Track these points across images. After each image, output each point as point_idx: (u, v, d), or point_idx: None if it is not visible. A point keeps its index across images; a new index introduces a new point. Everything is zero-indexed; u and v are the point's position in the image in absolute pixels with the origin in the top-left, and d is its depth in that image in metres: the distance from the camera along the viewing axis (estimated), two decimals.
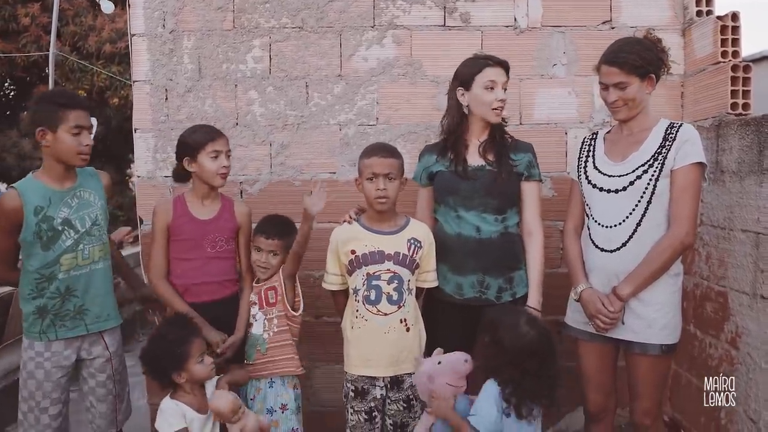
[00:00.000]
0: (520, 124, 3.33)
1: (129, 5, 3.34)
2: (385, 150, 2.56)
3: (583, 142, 2.68)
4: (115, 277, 2.80)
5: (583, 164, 2.60)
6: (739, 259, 2.73)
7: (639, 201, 2.38)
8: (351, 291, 2.60)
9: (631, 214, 2.39)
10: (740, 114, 2.89)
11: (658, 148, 2.38)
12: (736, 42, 3.00)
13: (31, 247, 2.52)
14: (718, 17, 3.03)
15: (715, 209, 2.94)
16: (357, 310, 2.55)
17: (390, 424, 2.58)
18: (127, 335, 3.63)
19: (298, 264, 2.70)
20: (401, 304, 2.52)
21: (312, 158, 3.35)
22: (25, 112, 12.53)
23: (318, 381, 3.42)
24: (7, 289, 4.85)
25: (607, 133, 2.62)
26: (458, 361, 2.33)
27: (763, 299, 2.55)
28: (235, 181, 3.34)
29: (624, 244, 2.40)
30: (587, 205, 2.56)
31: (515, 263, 2.66)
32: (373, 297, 2.52)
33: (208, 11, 3.32)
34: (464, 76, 2.65)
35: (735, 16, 3.00)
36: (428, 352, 2.69)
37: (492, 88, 2.60)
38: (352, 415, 2.58)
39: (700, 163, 2.34)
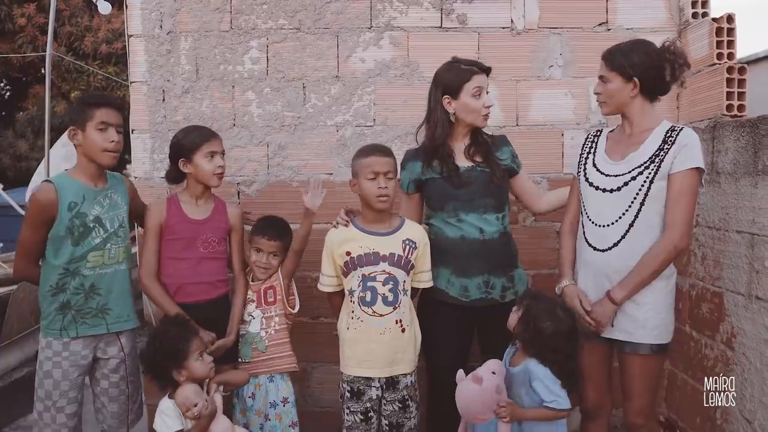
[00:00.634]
0: (517, 125, 3.34)
1: (126, 6, 3.34)
2: (382, 149, 2.58)
3: (586, 139, 2.69)
4: None
5: (584, 162, 2.61)
6: (735, 260, 2.74)
7: (632, 202, 2.39)
8: (346, 292, 2.60)
9: (624, 214, 2.40)
10: (735, 116, 2.91)
11: (656, 151, 2.38)
12: (731, 44, 3.01)
13: (61, 242, 2.53)
14: (714, 19, 3.05)
15: (711, 210, 2.95)
16: (353, 311, 2.56)
17: (386, 424, 2.60)
18: None
19: (297, 262, 2.74)
20: (396, 305, 2.53)
21: (309, 159, 3.36)
22: (21, 113, 12.54)
23: (315, 381, 3.42)
24: (4, 289, 4.85)
25: (611, 131, 2.63)
26: (501, 366, 2.43)
27: (758, 300, 2.57)
28: (233, 182, 3.34)
29: (616, 244, 2.41)
30: (582, 202, 2.57)
31: (514, 262, 2.74)
32: (368, 298, 2.53)
33: (206, 12, 3.33)
34: (451, 85, 2.66)
35: (730, 18, 3.01)
36: (424, 354, 2.71)
37: (479, 95, 2.64)
38: (348, 415, 2.59)
39: (698, 168, 2.35)
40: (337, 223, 2.62)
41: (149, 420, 3.09)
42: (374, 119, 3.35)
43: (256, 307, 2.75)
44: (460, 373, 2.41)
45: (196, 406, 2.34)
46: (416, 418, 2.64)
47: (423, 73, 3.31)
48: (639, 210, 2.38)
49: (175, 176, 2.78)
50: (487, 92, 2.68)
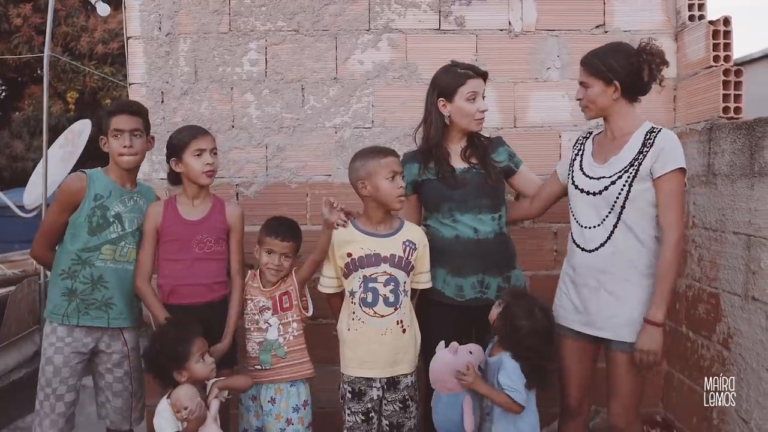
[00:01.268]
0: (515, 127, 3.36)
1: (125, 8, 3.35)
2: (389, 149, 2.64)
3: (576, 141, 2.72)
4: None
5: (573, 163, 2.65)
6: (731, 261, 2.76)
7: (614, 204, 2.44)
8: (347, 293, 2.62)
9: (607, 216, 2.46)
10: (732, 117, 2.93)
11: (636, 154, 2.43)
12: (727, 46, 3.03)
13: (78, 229, 2.66)
14: (710, 22, 3.07)
15: (707, 211, 2.97)
16: (353, 312, 2.58)
17: (386, 424, 2.61)
18: None
19: (314, 271, 2.73)
20: (397, 306, 2.56)
21: (308, 161, 3.37)
22: (17, 113, 12.51)
23: (315, 381, 3.42)
24: (2, 291, 4.87)
25: (598, 134, 2.67)
26: (480, 351, 2.52)
27: (754, 300, 2.59)
28: (231, 184, 3.35)
29: (602, 245, 2.46)
30: (570, 205, 2.62)
31: (511, 262, 2.76)
32: (369, 299, 2.54)
33: (204, 14, 3.33)
34: (446, 88, 2.70)
35: (727, 21, 3.03)
36: (422, 354, 2.72)
37: (474, 99, 2.66)
38: (349, 416, 2.61)
39: (682, 168, 2.40)
40: (337, 225, 2.61)
41: (149, 420, 3.10)
42: (373, 121, 3.36)
43: (273, 314, 2.70)
44: (441, 344, 2.48)
45: (186, 409, 2.34)
46: (416, 418, 2.66)
47: (421, 75, 3.32)
48: (621, 213, 2.43)
49: (174, 177, 2.79)
50: (484, 97, 2.70)
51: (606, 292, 2.46)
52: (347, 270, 2.58)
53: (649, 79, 2.45)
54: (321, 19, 3.33)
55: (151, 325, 2.83)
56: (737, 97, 2.95)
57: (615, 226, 2.44)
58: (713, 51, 3.03)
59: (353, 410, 2.60)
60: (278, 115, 3.36)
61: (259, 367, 2.71)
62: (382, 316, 2.54)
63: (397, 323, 2.56)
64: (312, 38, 3.34)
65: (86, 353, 2.71)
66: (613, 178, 2.44)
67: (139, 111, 2.76)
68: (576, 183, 2.57)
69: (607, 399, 2.56)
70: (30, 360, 4.72)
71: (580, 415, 2.70)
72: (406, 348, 2.60)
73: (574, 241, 2.57)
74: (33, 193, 6.10)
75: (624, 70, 2.41)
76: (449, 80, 2.69)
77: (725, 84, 2.95)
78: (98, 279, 2.67)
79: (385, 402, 2.61)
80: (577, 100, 2.56)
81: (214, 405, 2.45)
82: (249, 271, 2.82)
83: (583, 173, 2.56)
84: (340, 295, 2.69)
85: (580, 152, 2.64)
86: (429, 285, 2.70)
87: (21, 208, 6.51)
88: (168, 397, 2.42)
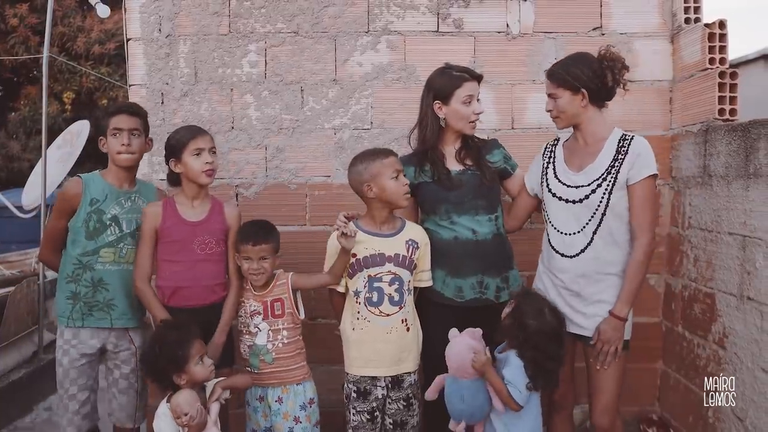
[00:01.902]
0: (512, 128, 3.39)
1: (125, 10, 3.36)
2: (390, 149, 2.69)
3: (545, 149, 2.78)
4: None
5: (545, 171, 2.70)
6: (727, 261, 2.79)
7: (595, 212, 2.51)
8: (351, 293, 2.64)
9: (588, 223, 2.53)
10: (727, 119, 2.96)
11: (611, 162, 2.50)
12: (723, 49, 3.06)
13: (77, 234, 2.72)
14: (706, 25, 3.10)
15: (703, 212, 3.00)
16: (358, 312, 2.61)
17: (390, 423, 2.64)
18: None
19: (314, 288, 2.78)
20: (402, 305, 2.60)
21: (307, 162, 3.39)
22: (13, 114, 12.48)
23: (315, 382, 3.44)
24: (1, 291, 4.87)
25: (566, 141, 2.72)
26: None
27: (749, 300, 2.62)
28: (231, 185, 3.37)
29: (582, 251, 2.54)
30: (546, 212, 2.67)
31: (509, 263, 2.80)
32: (375, 299, 2.58)
33: (204, 16, 3.35)
34: (442, 91, 2.73)
35: (722, 24, 3.06)
36: (423, 354, 2.75)
37: (469, 102, 2.69)
38: (354, 415, 2.63)
39: (654, 174, 2.49)
40: (338, 228, 2.56)
41: (149, 420, 3.11)
42: (371, 122, 3.38)
43: (263, 319, 2.69)
44: (454, 330, 2.49)
45: (186, 415, 2.33)
46: (418, 416, 2.69)
47: (420, 77, 3.34)
48: (601, 220, 2.50)
49: (174, 178, 2.79)
50: (479, 100, 2.73)
51: (586, 294, 2.54)
52: (352, 270, 2.61)
53: (613, 84, 2.53)
54: (320, 21, 3.35)
55: (152, 326, 2.85)
56: (733, 99, 2.98)
57: (595, 233, 2.51)
58: (709, 53, 3.06)
59: (359, 409, 2.62)
60: (278, 116, 3.38)
61: (248, 369, 2.74)
62: (388, 315, 2.58)
63: (402, 322, 2.60)
64: (311, 40, 3.36)
65: (93, 354, 2.75)
66: (593, 186, 2.51)
67: (137, 112, 2.80)
68: (553, 191, 2.62)
69: (589, 397, 2.62)
70: (29, 360, 4.73)
71: (565, 409, 2.80)
72: (411, 346, 2.64)
73: (552, 248, 2.62)
74: (31, 194, 6.09)
75: (588, 77, 2.49)
76: (445, 83, 2.72)
77: (721, 86, 2.98)
78: (99, 282, 2.72)
79: (390, 401, 2.64)
80: (548, 111, 2.61)
81: (214, 409, 2.45)
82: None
83: (559, 181, 2.61)
84: (343, 295, 2.71)
85: (551, 159, 2.70)
86: (429, 283, 2.73)
87: (19, 208, 6.51)
88: (168, 401, 2.42)
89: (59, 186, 6.21)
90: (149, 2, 3.34)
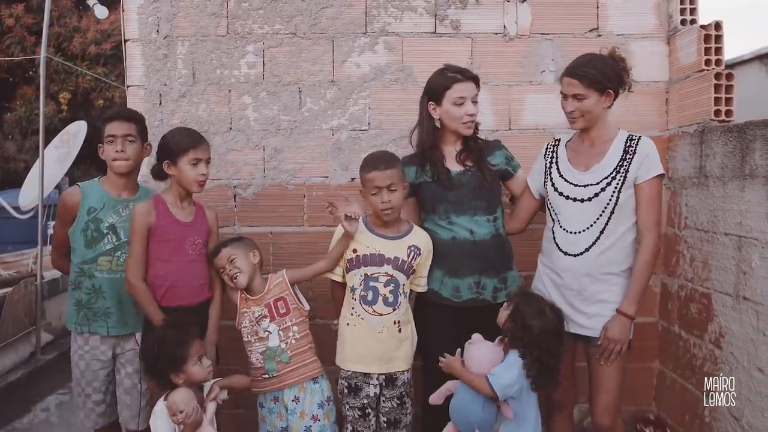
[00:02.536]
0: (509, 129, 3.40)
1: (123, 11, 3.37)
2: (383, 161, 2.62)
3: (546, 149, 2.79)
4: None
5: (548, 170, 2.71)
6: (723, 261, 2.81)
7: (603, 210, 2.53)
8: (348, 288, 2.68)
9: (596, 221, 2.54)
10: (723, 120, 2.98)
11: (619, 161, 2.53)
12: (719, 50, 3.08)
13: (76, 242, 2.76)
14: (702, 26, 3.12)
15: (699, 213, 3.02)
16: (353, 308, 2.65)
17: (384, 421, 2.67)
18: None
19: (311, 278, 2.79)
20: (396, 307, 2.62)
21: (305, 162, 3.39)
22: (8, 114, 12.44)
23: None
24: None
25: (569, 141, 2.73)
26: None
27: (745, 300, 2.63)
28: (229, 185, 3.38)
29: (587, 249, 2.55)
30: (553, 211, 2.68)
31: (508, 264, 2.81)
32: (370, 297, 2.61)
33: (202, 17, 3.36)
34: (434, 92, 2.75)
35: (718, 26, 3.08)
36: (420, 354, 2.77)
37: (462, 104, 2.69)
38: (348, 410, 2.68)
39: (661, 174, 2.52)
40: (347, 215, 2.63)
41: None
42: (369, 123, 3.39)
43: (270, 321, 2.69)
44: (477, 335, 2.52)
45: (181, 413, 2.35)
46: (411, 414, 2.72)
47: (417, 78, 3.36)
48: (609, 218, 2.52)
49: (159, 173, 2.76)
50: (475, 101, 2.73)
51: (590, 293, 2.56)
52: (350, 265, 2.66)
53: (624, 85, 2.56)
54: (318, 22, 3.36)
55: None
56: (728, 101, 3.00)
57: (602, 232, 2.53)
58: (705, 55, 3.08)
59: (350, 405, 2.66)
60: (276, 117, 3.38)
61: (266, 376, 2.70)
62: (381, 314, 2.61)
63: (394, 323, 2.63)
64: (309, 41, 3.37)
65: (107, 360, 2.80)
66: (602, 185, 2.52)
67: (132, 117, 2.80)
68: (559, 190, 2.64)
69: (591, 397, 2.64)
70: (27, 361, 4.72)
71: (566, 408, 2.83)
72: (401, 346, 2.66)
73: (557, 246, 2.62)
74: (28, 195, 6.09)
75: (614, 78, 2.51)
76: (438, 84, 2.74)
77: (717, 87, 3.00)
78: (98, 289, 2.75)
79: (384, 399, 2.66)
80: (569, 112, 2.58)
81: (211, 408, 2.46)
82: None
83: (565, 180, 2.63)
84: (342, 286, 2.74)
85: (554, 160, 2.72)
86: (425, 289, 2.75)
87: (16, 209, 6.50)
88: (165, 399, 2.44)
89: (56, 187, 6.22)
90: (147, 3, 3.34)
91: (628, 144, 2.54)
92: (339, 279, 2.72)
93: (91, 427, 2.88)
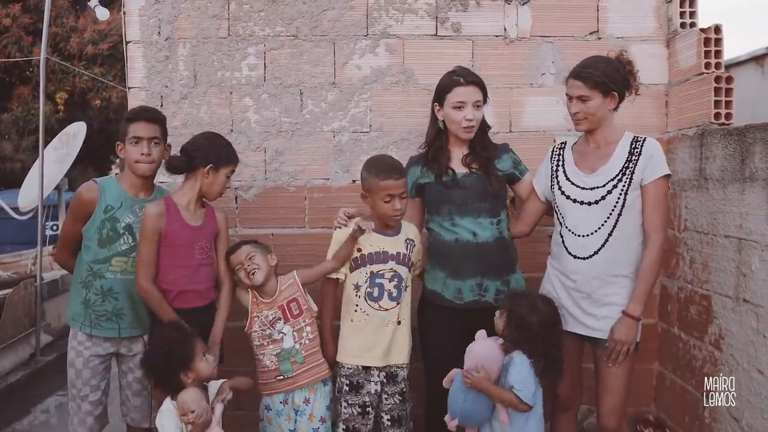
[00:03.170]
0: (510, 131, 3.42)
1: (124, 13, 3.37)
2: (396, 170, 2.63)
3: (552, 152, 2.79)
4: None
5: (555, 173, 2.71)
6: (723, 263, 2.83)
7: (611, 213, 2.53)
8: (351, 286, 2.70)
9: (603, 224, 2.54)
10: (723, 123, 2.99)
11: (625, 163, 2.53)
12: (718, 54, 3.10)
13: (90, 241, 2.70)
14: (702, 30, 3.13)
15: (699, 215, 3.03)
16: (357, 305, 2.68)
17: (387, 419, 2.70)
18: None
19: (321, 277, 2.79)
20: (399, 301, 2.67)
21: (306, 164, 3.40)
22: (5, 114, 12.41)
23: None
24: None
25: (575, 144, 2.74)
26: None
27: (745, 303, 2.65)
28: (230, 187, 3.36)
29: (596, 252, 2.55)
30: (560, 214, 2.68)
31: (511, 266, 2.82)
32: (375, 294, 2.65)
33: (204, 19, 3.36)
34: (439, 93, 2.77)
35: (718, 29, 3.10)
36: (422, 355, 2.78)
37: (461, 108, 2.70)
38: (345, 408, 2.67)
39: (667, 175, 2.52)
40: (338, 225, 2.73)
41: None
42: (370, 125, 3.40)
43: (285, 323, 2.71)
44: (482, 332, 2.54)
45: (192, 412, 2.37)
46: (409, 411, 2.76)
47: (418, 80, 3.38)
48: (617, 220, 2.53)
49: (179, 169, 2.72)
50: (479, 106, 2.73)
51: (599, 295, 2.56)
52: (355, 264, 2.68)
53: (631, 88, 2.58)
54: (319, 24, 3.37)
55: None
56: (728, 104, 3.01)
57: (610, 234, 2.53)
58: (704, 58, 3.10)
59: (350, 402, 2.66)
60: (277, 119, 3.39)
61: (281, 377, 2.71)
62: (386, 309, 2.66)
63: (397, 316, 2.68)
64: (310, 43, 3.38)
65: (106, 355, 2.78)
66: (608, 187, 2.52)
67: (158, 118, 2.76)
68: (566, 193, 2.64)
69: (597, 399, 2.65)
70: (26, 363, 4.72)
71: (571, 409, 2.84)
72: (401, 340, 2.70)
73: (566, 249, 2.63)
74: (28, 196, 6.09)
75: (619, 80, 2.52)
76: (441, 86, 2.76)
77: (716, 90, 3.01)
78: (108, 291, 2.71)
79: (386, 396, 2.69)
80: (574, 114, 2.58)
81: (218, 409, 2.47)
82: (249, 291, 2.76)
83: (572, 183, 2.63)
84: (335, 282, 2.75)
85: (560, 163, 2.72)
86: (417, 271, 2.86)
87: (15, 210, 6.49)
88: (172, 398, 2.45)
89: (56, 188, 6.22)
90: (148, 5, 3.35)
91: (633, 145, 2.54)
92: (342, 277, 2.73)
93: None
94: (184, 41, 3.37)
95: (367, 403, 2.66)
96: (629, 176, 2.50)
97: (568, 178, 2.65)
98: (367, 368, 2.67)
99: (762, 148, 2.54)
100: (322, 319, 2.79)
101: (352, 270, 2.70)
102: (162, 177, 3.03)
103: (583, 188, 2.59)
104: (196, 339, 2.49)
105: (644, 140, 2.55)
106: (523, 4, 3.39)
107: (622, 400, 2.59)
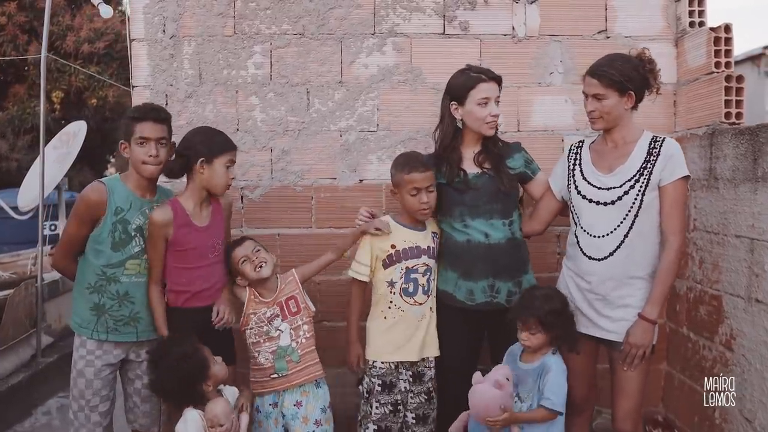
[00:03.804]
0: (518, 130, 3.39)
1: (129, 10, 3.34)
2: (422, 163, 2.66)
3: (570, 150, 2.77)
4: None
5: (571, 173, 2.69)
6: (734, 263, 2.81)
7: (627, 213, 2.50)
8: (384, 283, 2.70)
9: (619, 225, 2.51)
10: (733, 123, 2.98)
11: (643, 163, 2.50)
12: (728, 53, 3.08)
13: (102, 244, 2.60)
14: (711, 29, 3.12)
15: (709, 215, 3.02)
16: (391, 302, 2.69)
17: (412, 417, 2.71)
18: None
19: (321, 271, 2.84)
20: (431, 293, 2.73)
21: (313, 164, 3.37)
22: (1, 113, 12.35)
23: None
24: (0, 294, 4.84)
25: (593, 143, 2.71)
26: (511, 372, 2.51)
27: (758, 303, 2.64)
28: (236, 187, 3.34)
29: (612, 253, 2.52)
30: (575, 214, 2.65)
31: (523, 267, 2.79)
32: (411, 289, 2.69)
33: (209, 17, 3.33)
34: (457, 92, 2.72)
35: (728, 28, 3.08)
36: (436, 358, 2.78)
37: (486, 104, 2.68)
38: (377, 408, 2.68)
39: (686, 176, 2.49)
40: (360, 224, 2.75)
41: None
42: (378, 124, 3.38)
43: (282, 320, 2.70)
44: (477, 375, 2.46)
45: (222, 426, 2.37)
46: (436, 410, 2.76)
47: (426, 79, 3.35)
48: (633, 221, 2.50)
49: (178, 172, 2.68)
50: (498, 102, 2.72)
51: (614, 297, 2.53)
52: (389, 261, 2.69)
53: (651, 87, 2.54)
54: (326, 22, 3.34)
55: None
56: (738, 103, 3.00)
57: (626, 235, 2.50)
58: (714, 57, 3.08)
59: (383, 402, 2.67)
60: (283, 118, 3.36)
61: (275, 375, 2.69)
62: (420, 303, 2.71)
63: (430, 309, 2.73)
64: (317, 42, 3.35)
65: (117, 363, 2.71)
66: (625, 188, 2.49)
67: (165, 118, 2.67)
68: (582, 193, 2.61)
69: (612, 402, 2.62)
70: (27, 364, 4.69)
71: (586, 412, 2.82)
72: (434, 331, 2.75)
73: (581, 250, 2.60)
74: (27, 196, 6.04)
75: (636, 79, 2.48)
76: (461, 84, 2.71)
77: (727, 90, 3.00)
78: (124, 295, 2.63)
79: (412, 395, 2.71)
80: (589, 112, 2.56)
81: (244, 420, 2.50)
82: (247, 289, 2.75)
83: (588, 183, 2.60)
84: (364, 284, 2.76)
85: (577, 161, 2.69)
86: None
87: (14, 209, 6.44)
88: (195, 407, 2.42)
89: (56, 187, 6.17)
90: (153, 3, 3.31)
91: (652, 145, 2.51)
92: (363, 278, 2.74)
93: None
94: (189, 39, 3.33)
95: (398, 402, 2.69)
96: (647, 176, 2.47)
97: (584, 178, 2.62)
98: (397, 366, 2.69)
99: None
100: (348, 320, 2.80)
101: (386, 267, 2.70)
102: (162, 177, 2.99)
103: (599, 188, 2.56)
104: (200, 345, 2.47)
105: (663, 140, 2.52)
106: (531, 2, 3.37)
107: (637, 404, 2.57)
